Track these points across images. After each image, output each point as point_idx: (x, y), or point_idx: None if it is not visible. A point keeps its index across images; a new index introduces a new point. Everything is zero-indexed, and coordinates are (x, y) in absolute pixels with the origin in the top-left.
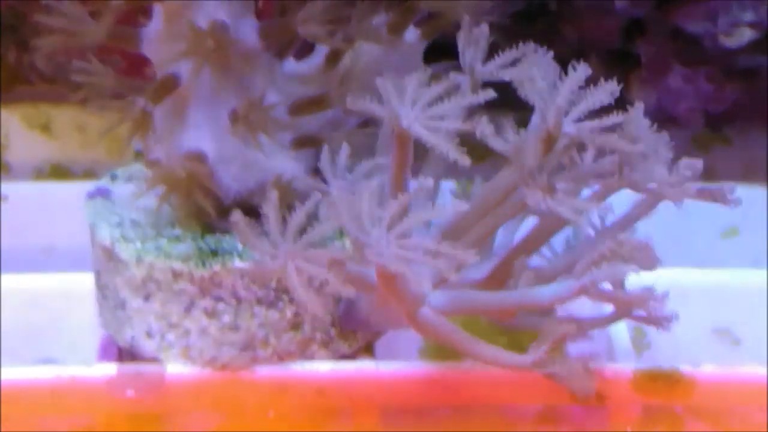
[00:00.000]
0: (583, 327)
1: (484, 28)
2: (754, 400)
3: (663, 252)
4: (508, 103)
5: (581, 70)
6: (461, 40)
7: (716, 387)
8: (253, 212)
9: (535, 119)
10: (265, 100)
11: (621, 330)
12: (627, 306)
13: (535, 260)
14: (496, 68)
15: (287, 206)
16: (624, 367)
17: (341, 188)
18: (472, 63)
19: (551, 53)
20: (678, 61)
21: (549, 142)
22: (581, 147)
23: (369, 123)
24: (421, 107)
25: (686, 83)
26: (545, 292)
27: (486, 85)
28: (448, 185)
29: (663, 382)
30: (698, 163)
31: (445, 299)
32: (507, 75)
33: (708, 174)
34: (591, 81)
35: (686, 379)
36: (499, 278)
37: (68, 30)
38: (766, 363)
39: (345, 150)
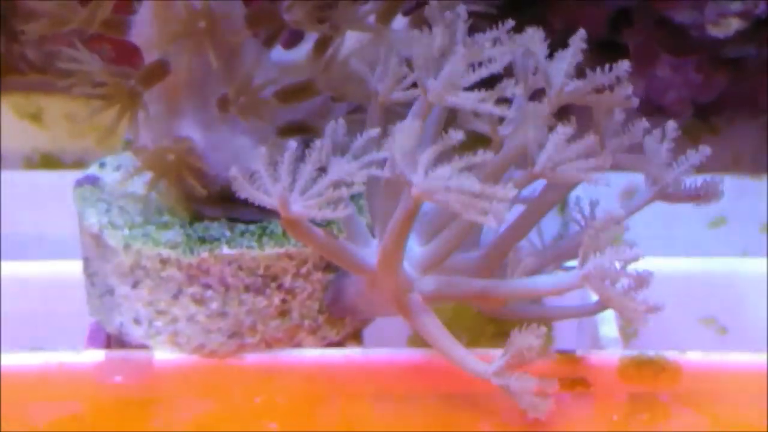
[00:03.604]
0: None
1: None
2: (739, 387)
3: (651, 241)
4: None
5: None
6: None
7: (702, 374)
8: (239, 200)
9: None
10: (253, 84)
11: (608, 318)
12: (622, 303)
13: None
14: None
15: None
16: (610, 353)
17: (340, 164)
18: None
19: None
20: (666, 51)
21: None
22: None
23: (358, 110)
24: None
25: (674, 73)
26: (545, 282)
27: None
28: None
29: (649, 369)
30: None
31: (434, 284)
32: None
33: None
34: (579, 71)
35: (672, 366)
36: (488, 266)
37: (56, 15)
38: (751, 351)
39: (342, 128)
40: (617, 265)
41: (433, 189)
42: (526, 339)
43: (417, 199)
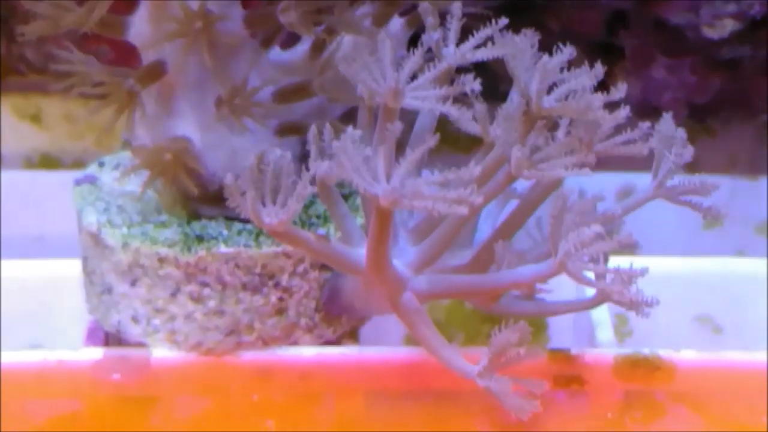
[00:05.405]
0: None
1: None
2: (733, 386)
3: (646, 241)
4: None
5: (567, 52)
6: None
7: (696, 372)
8: None
9: (514, 97)
10: (248, 86)
11: (603, 317)
12: (605, 284)
13: (522, 243)
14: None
15: None
16: (605, 352)
17: (329, 167)
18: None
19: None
20: (661, 53)
21: (532, 119)
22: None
23: (354, 111)
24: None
25: (670, 74)
26: (525, 271)
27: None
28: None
29: (643, 367)
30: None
31: (427, 283)
32: (483, 54)
33: (692, 165)
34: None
35: (666, 364)
36: (481, 264)
37: (52, 16)
38: (746, 350)
39: (330, 131)
40: (584, 243)
41: (398, 198)
42: (505, 337)
43: (384, 211)
